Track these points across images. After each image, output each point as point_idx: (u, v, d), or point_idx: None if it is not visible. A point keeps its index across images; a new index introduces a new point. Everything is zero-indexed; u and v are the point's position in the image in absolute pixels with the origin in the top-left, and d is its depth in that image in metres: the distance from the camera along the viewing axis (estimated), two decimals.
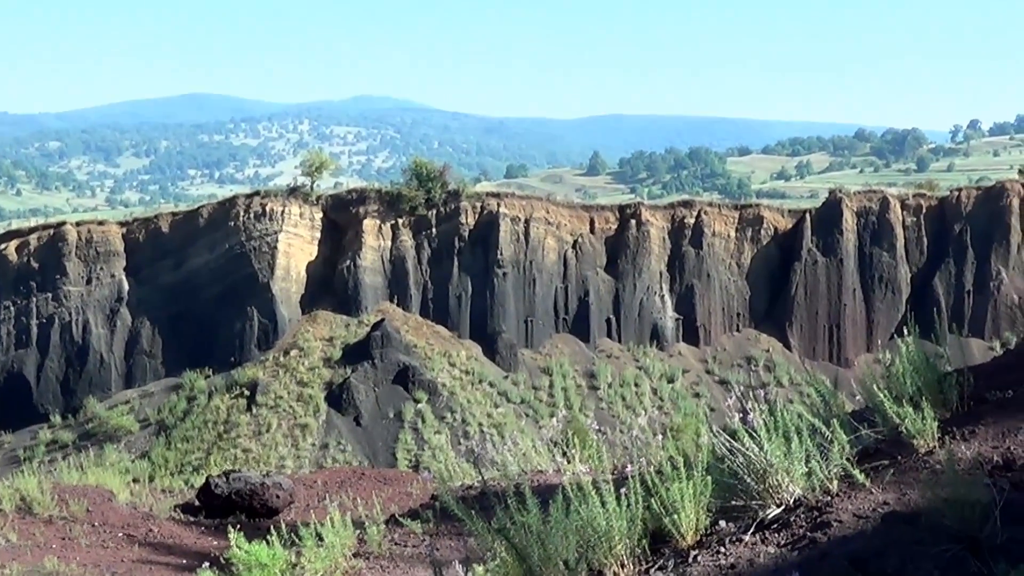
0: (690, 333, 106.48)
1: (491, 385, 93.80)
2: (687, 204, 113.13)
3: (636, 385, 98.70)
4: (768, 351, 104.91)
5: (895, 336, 11.55)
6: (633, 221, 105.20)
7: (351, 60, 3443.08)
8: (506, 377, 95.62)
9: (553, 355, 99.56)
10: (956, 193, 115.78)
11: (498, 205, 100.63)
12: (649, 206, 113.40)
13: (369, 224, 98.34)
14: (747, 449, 8.40)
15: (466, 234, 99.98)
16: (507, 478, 15.15)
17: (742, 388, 10.42)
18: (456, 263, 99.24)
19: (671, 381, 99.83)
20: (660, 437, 15.41)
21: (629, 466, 9.38)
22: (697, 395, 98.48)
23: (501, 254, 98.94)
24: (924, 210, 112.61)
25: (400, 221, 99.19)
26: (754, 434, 8.49)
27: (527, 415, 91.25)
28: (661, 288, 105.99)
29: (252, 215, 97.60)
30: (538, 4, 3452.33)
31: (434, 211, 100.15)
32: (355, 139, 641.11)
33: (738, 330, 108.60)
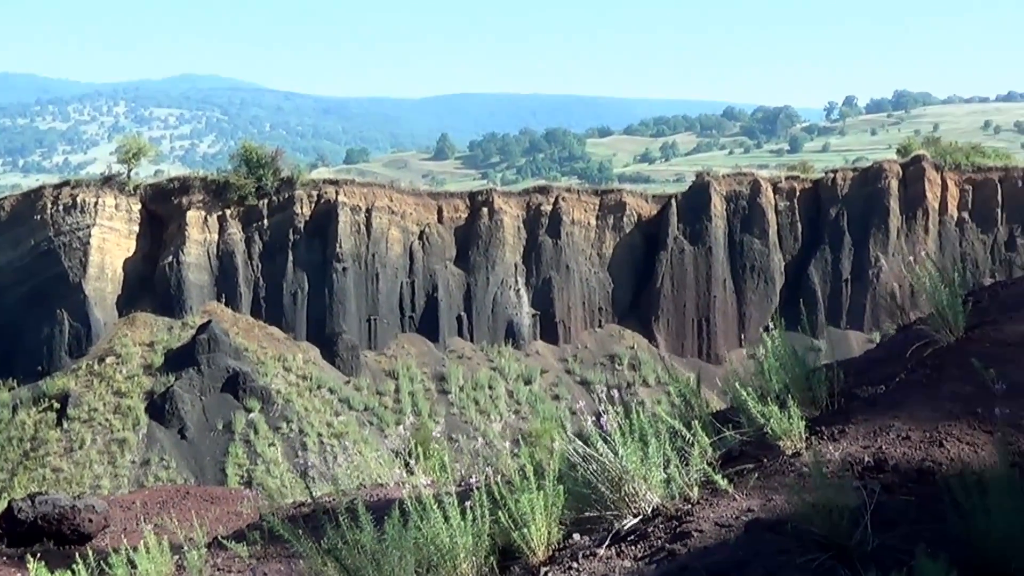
0: (548, 330, 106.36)
1: (331, 391, 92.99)
2: (543, 190, 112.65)
3: (490, 388, 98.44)
4: (633, 348, 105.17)
5: (769, 329, 11.60)
6: (485, 209, 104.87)
7: (172, 35, 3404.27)
8: (347, 382, 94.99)
9: (399, 357, 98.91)
10: (831, 175, 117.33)
11: (336, 193, 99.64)
12: (502, 192, 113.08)
13: (193, 216, 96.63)
14: (601, 455, 8.44)
15: (301, 226, 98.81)
16: (341, 494, 15.09)
17: (604, 389, 10.43)
18: (291, 258, 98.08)
19: (528, 383, 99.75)
20: (513, 444, 15.49)
21: (474, 477, 9.37)
22: (557, 397, 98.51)
23: (340, 247, 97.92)
24: (798, 193, 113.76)
25: (228, 212, 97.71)
26: (608, 439, 8.52)
27: (371, 423, 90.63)
28: (516, 282, 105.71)
29: (61, 207, 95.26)
30: None
31: (266, 201, 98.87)
32: (177, 122, 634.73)
33: (600, 326, 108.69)
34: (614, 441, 8.42)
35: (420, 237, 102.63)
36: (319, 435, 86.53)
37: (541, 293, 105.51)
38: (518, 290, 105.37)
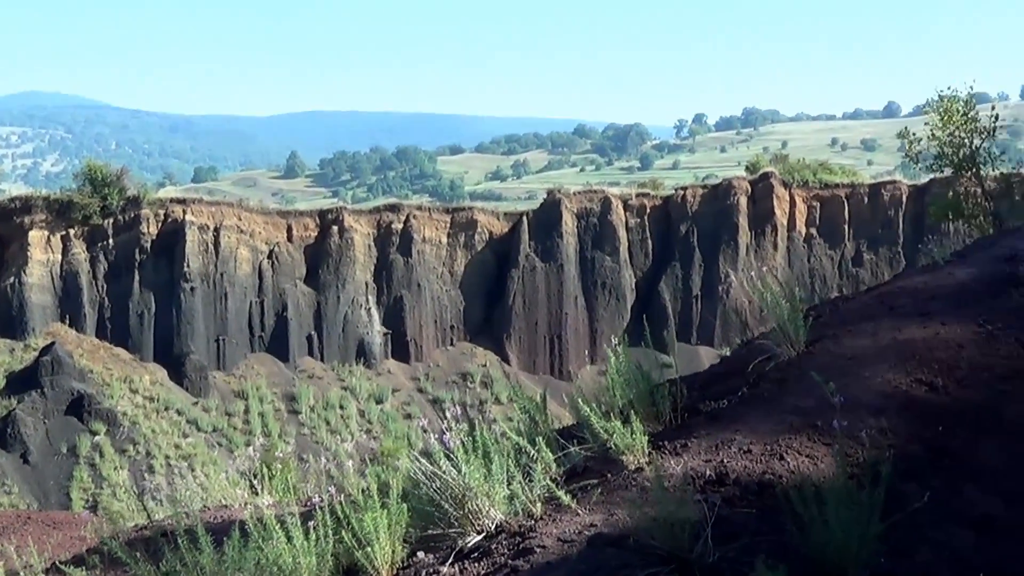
0: (400, 349, 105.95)
1: (179, 412, 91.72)
2: (394, 208, 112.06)
3: (341, 407, 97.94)
4: (485, 366, 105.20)
5: (614, 345, 11.74)
6: (335, 227, 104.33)
7: (14, 52, 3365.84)
8: (196, 403, 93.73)
9: (248, 377, 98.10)
10: (681, 192, 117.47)
11: (184, 212, 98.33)
12: (353, 211, 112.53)
13: (36, 236, 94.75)
14: (444, 473, 8.47)
15: (148, 245, 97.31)
16: (182, 516, 14.98)
17: (452, 407, 10.48)
18: (137, 278, 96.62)
19: (380, 402, 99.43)
20: (354, 463, 15.43)
21: (315, 497, 9.37)
22: (408, 416, 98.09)
23: (188, 266, 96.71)
24: (648, 210, 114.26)
25: (72, 232, 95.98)
26: (452, 456, 8.56)
27: (220, 444, 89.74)
28: (367, 300, 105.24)
29: None
30: None
31: (111, 220, 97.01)
32: (20, 140, 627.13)
33: (452, 344, 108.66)
34: (457, 458, 8.46)
35: (269, 256, 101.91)
36: (167, 457, 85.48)
37: (392, 311, 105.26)
38: (369, 309, 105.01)
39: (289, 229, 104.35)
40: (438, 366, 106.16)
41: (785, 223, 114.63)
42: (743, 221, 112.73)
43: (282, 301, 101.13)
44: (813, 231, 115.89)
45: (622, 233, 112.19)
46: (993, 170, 27.11)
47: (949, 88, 26.46)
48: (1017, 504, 9.31)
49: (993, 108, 27.53)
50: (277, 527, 8.29)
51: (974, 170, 26.36)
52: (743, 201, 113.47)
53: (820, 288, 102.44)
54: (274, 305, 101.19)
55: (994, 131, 26.58)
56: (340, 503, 8.76)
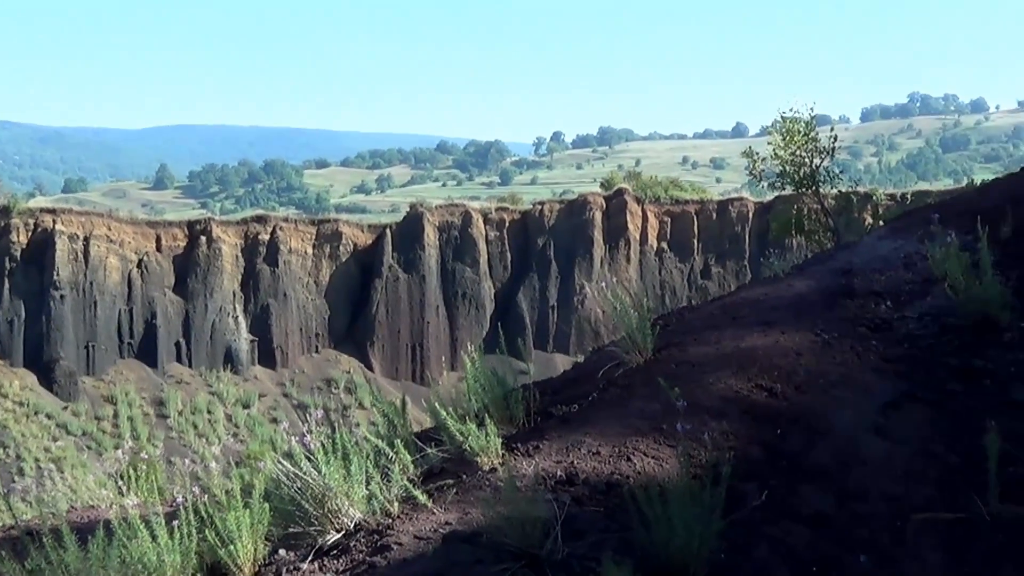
0: (266, 355, 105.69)
1: (49, 417, 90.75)
2: (261, 219, 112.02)
3: (209, 412, 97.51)
4: (349, 372, 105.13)
5: (484, 352, 11.83)
6: (203, 238, 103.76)
7: None
8: (66, 407, 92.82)
9: (118, 382, 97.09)
10: (539, 207, 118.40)
11: (54, 222, 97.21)
12: (221, 222, 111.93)
13: None
14: (305, 474, 8.49)
15: (18, 254, 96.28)
16: (48, 515, 14.84)
17: (314, 411, 10.50)
18: (7, 285, 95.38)
19: (247, 407, 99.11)
20: (220, 466, 15.33)
21: (180, 497, 9.34)
22: (275, 420, 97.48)
23: (58, 275, 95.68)
24: (507, 224, 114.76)
25: None
26: (312, 457, 8.58)
27: (89, 448, 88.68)
28: (235, 309, 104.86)
29: None
30: (93, 2, 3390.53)
31: None
32: None
33: (317, 351, 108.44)
34: (318, 460, 8.48)
35: (139, 265, 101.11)
36: (36, 460, 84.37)
37: (259, 319, 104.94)
38: (236, 317, 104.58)
39: (158, 239, 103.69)
40: (303, 372, 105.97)
41: (638, 237, 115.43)
42: (598, 235, 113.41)
43: (151, 309, 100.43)
44: (664, 245, 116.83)
45: (482, 246, 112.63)
46: (832, 188, 27.48)
47: (792, 110, 26.81)
48: (849, 502, 9.48)
49: (832, 130, 27.91)
50: (142, 526, 8.25)
51: (814, 188, 26.70)
52: (598, 216, 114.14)
53: (670, 299, 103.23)
54: (143, 313, 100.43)
55: (833, 151, 26.94)
56: (204, 503, 8.73)
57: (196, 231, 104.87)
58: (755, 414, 10.13)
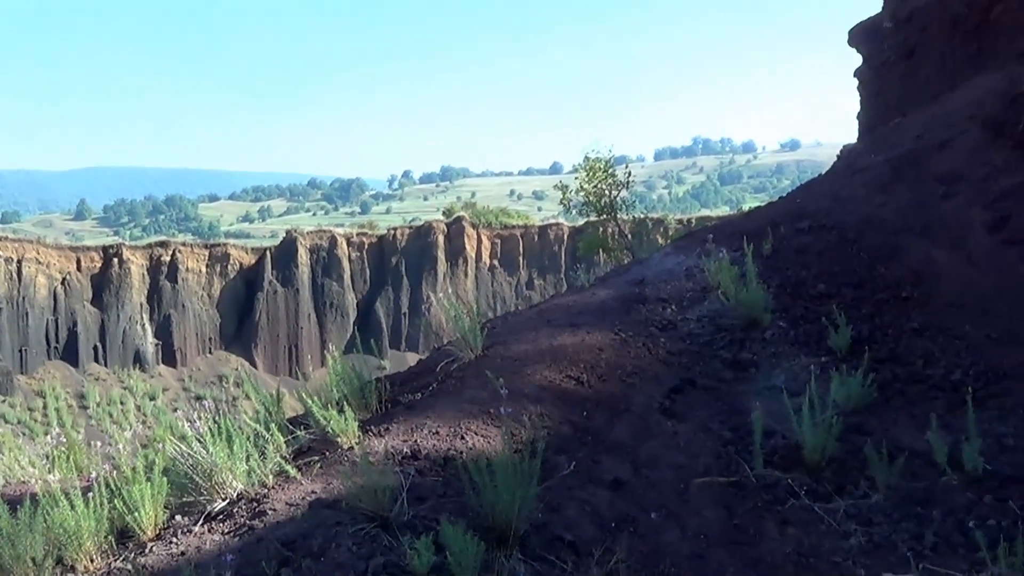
0: (169, 356, 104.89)
1: None
2: (164, 244, 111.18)
3: (122, 404, 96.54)
4: (237, 369, 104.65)
5: (345, 352, 11.80)
6: (116, 260, 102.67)
7: None
8: (3, 400, 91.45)
9: (46, 380, 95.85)
10: (393, 231, 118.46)
11: None
12: (130, 246, 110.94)
13: None
14: (196, 452, 8.40)
15: None
16: None
17: (212, 402, 10.44)
18: None
19: (153, 399, 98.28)
20: (131, 448, 15.17)
21: (94, 473, 9.20)
22: (176, 409, 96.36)
23: None
24: (367, 246, 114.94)
25: None
26: (202, 439, 8.50)
27: (24, 434, 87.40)
28: (142, 318, 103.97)
29: None
30: (26, 53, 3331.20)
31: None
32: None
33: (210, 352, 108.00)
34: (206, 441, 8.39)
35: (63, 283, 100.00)
36: None
37: (162, 327, 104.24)
38: (143, 324, 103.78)
39: (78, 261, 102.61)
40: (199, 370, 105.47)
41: (474, 256, 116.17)
42: (441, 254, 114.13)
43: (73, 319, 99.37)
44: (495, 262, 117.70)
45: (346, 264, 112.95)
46: (629, 214, 27.70)
47: (595, 151, 27.01)
48: (642, 470, 9.51)
49: (627, 167, 28.16)
50: (63, 497, 8.12)
51: (614, 215, 26.93)
52: (441, 239, 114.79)
53: (501, 307, 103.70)
54: (67, 322, 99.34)
55: (628, 185, 27.18)
56: (115, 478, 8.61)
57: (110, 254, 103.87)
58: (566, 399, 10.14)
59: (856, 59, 21.65)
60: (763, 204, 20.33)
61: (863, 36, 21.08)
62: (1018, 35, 16.19)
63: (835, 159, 19.01)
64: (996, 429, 10.77)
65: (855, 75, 21.74)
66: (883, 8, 20.77)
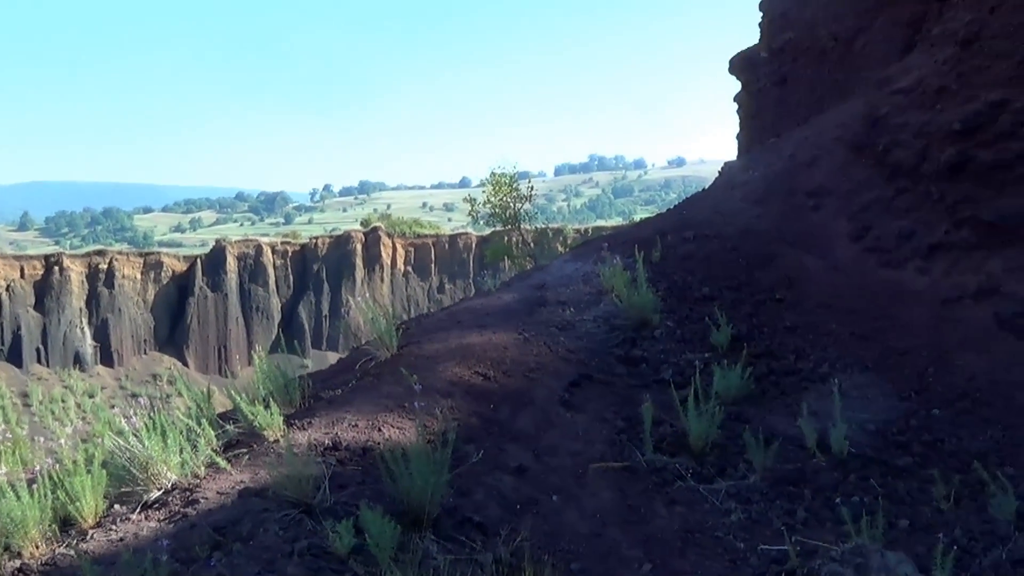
0: (107, 357, 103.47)
1: None
2: (101, 253, 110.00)
3: (63, 401, 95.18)
4: (170, 368, 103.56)
5: (270, 352, 11.75)
6: (57, 268, 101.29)
7: None
8: None
9: None
10: (315, 240, 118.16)
11: None
12: (70, 255, 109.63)
13: None
14: (132, 446, 8.33)
15: None
16: None
17: (147, 399, 10.34)
18: None
19: (92, 396, 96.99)
20: (73, 442, 15.01)
21: (38, 466, 9.08)
22: (113, 407, 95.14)
23: None
24: (290, 254, 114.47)
25: None
26: (138, 434, 8.42)
27: None
28: (82, 321, 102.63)
29: None
30: None
31: None
32: None
33: (145, 353, 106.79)
34: (142, 435, 8.32)
35: (7, 289, 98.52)
36: None
37: (101, 329, 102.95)
38: (83, 328, 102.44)
39: (22, 269, 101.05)
40: (135, 369, 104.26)
41: (389, 263, 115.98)
42: (359, 262, 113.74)
43: (17, 323, 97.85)
44: (409, 268, 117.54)
45: (271, 271, 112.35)
46: (530, 225, 27.79)
47: (500, 167, 27.07)
48: (544, 457, 9.55)
49: (529, 182, 28.25)
50: (9, 489, 8.02)
51: (517, 225, 27.02)
52: (359, 247, 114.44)
53: (414, 310, 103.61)
54: (11, 326, 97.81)
55: (530, 198, 27.26)
56: (57, 471, 8.51)
57: (51, 263, 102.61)
58: (474, 393, 10.15)
59: (736, 85, 21.84)
60: (652, 216, 20.45)
61: (742, 65, 21.29)
62: (878, 65, 16.43)
63: (717, 175, 19.16)
64: (859, 416, 11.03)
65: (735, 100, 21.93)
66: (759, 40, 21.00)
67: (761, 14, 21.15)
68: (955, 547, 8.69)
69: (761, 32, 21.09)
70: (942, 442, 10.94)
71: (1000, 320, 12.74)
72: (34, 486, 8.27)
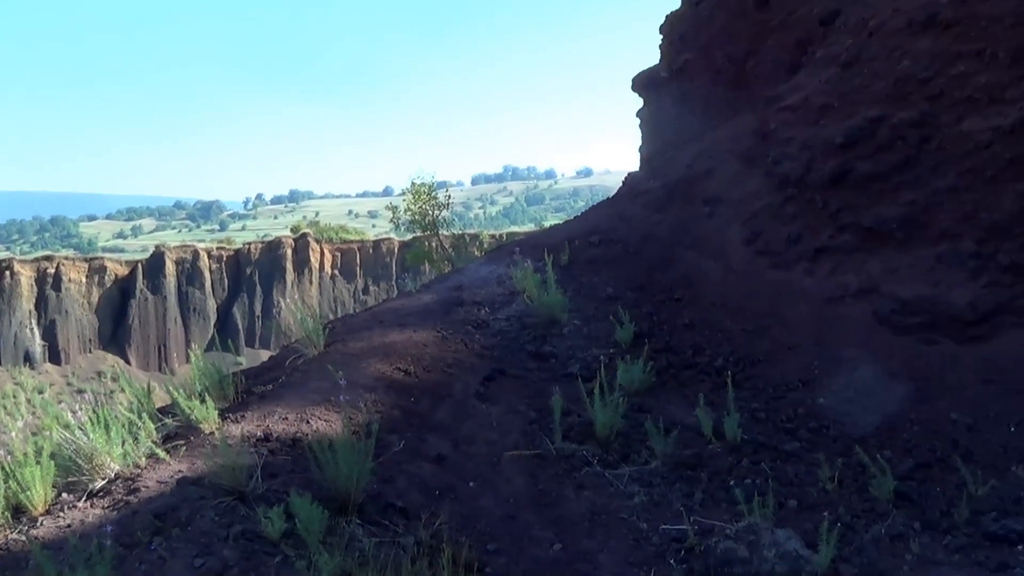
0: (54, 355, 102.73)
1: None
2: (49, 259, 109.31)
3: (14, 397, 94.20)
4: (113, 366, 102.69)
5: (207, 350, 11.63)
6: (8, 272, 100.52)
7: None
8: None
9: None
10: (248, 246, 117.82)
11: None
12: (20, 260, 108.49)
13: None
14: (78, 438, 8.22)
15: None
16: None
17: (92, 395, 10.22)
18: None
19: (41, 392, 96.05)
20: (23, 435, 14.80)
21: None
22: (61, 402, 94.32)
23: None
24: (225, 259, 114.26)
25: None
26: (83, 427, 8.32)
27: None
28: (31, 322, 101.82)
29: None
30: None
31: None
32: None
33: (90, 351, 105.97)
34: (87, 428, 8.22)
35: None
36: None
37: (48, 330, 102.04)
38: (32, 328, 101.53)
39: None
40: (81, 367, 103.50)
41: (317, 266, 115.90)
42: (289, 266, 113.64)
43: None
44: (336, 272, 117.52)
45: (207, 274, 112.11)
46: (448, 231, 27.75)
47: (420, 177, 27.01)
48: (461, 446, 9.53)
49: (447, 191, 28.28)
50: None
51: (436, 231, 26.97)
52: (289, 252, 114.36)
53: (340, 310, 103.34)
54: None
55: (448, 206, 27.22)
56: (8, 462, 8.39)
57: (2, 267, 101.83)
58: (396, 388, 10.11)
59: (639, 102, 21.93)
60: (562, 222, 20.49)
61: (644, 83, 21.38)
62: (768, 85, 16.59)
63: (621, 185, 19.21)
64: (751, 405, 11.16)
65: (637, 115, 22.02)
66: (660, 61, 21.11)
67: (662, 37, 21.29)
68: (839, 524, 8.81)
69: (661, 53, 21.20)
70: (827, 428, 11.10)
71: (878, 316, 12.95)
72: None
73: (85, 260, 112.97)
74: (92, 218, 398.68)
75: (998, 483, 9.87)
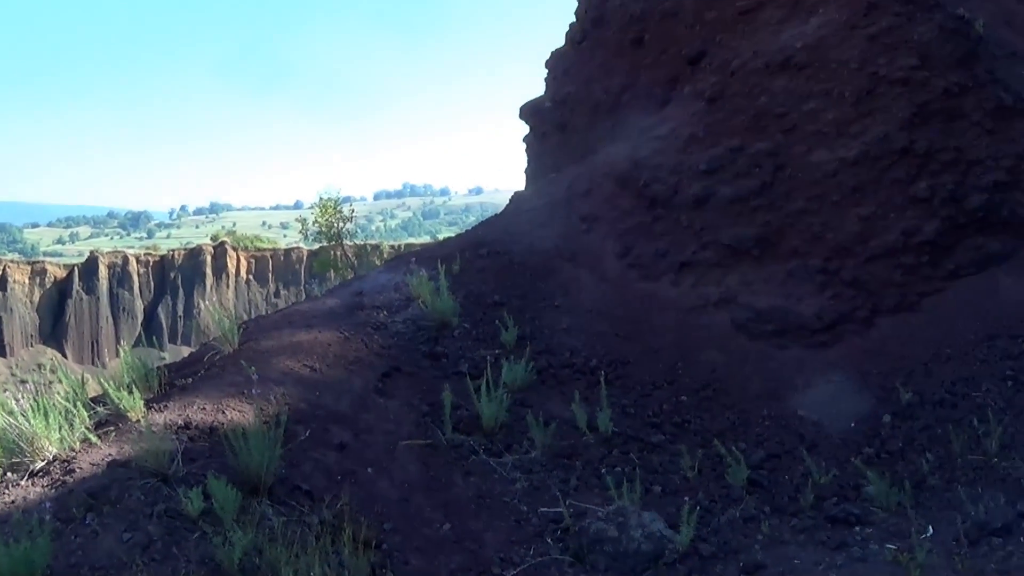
0: (0, 349, 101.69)
1: None
2: None
3: None
4: (52, 359, 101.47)
5: (134, 346, 11.49)
6: None
7: None
8: None
9: None
10: (172, 252, 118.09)
11: None
12: None
13: None
14: (20, 424, 8.04)
15: None
16: None
17: (33, 385, 10.04)
18: None
19: None
20: None
21: None
22: (6, 391, 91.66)
23: None
24: (152, 264, 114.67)
25: None
26: (24, 414, 8.15)
27: None
28: None
29: None
30: None
31: None
32: None
33: (32, 346, 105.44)
34: (28, 415, 8.05)
35: None
36: None
37: None
38: None
39: None
40: (24, 359, 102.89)
41: (234, 272, 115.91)
42: (209, 271, 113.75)
43: None
44: (251, 277, 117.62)
45: (136, 278, 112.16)
46: (352, 242, 27.57)
47: (327, 192, 26.82)
48: (361, 435, 9.42)
49: (351, 205, 28.12)
50: None
51: (341, 241, 26.80)
52: (209, 258, 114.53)
53: (254, 312, 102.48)
54: None
55: (352, 219, 27.03)
56: None
57: None
58: (303, 382, 10.00)
59: (525, 128, 21.96)
60: (454, 235, 20.45)
61: (530, 112, 21.43)
62: (641, 116, 16.72)
63: (508, 202, 19.23)
64: (621, 401, 11.26)
65: (524, 140, 22.05)
66: (545, 91, 21.17)
67: (547, 71, 21.40)
68: (698, 508, 8.89)
69: (547, 85, 21.27)
70: (688, 423, 11.26)
71: (736, 324, 13.16)
72: None
73: (28, 263, 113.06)
74: (35, 225, 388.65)
75: (839, 472, 10.11)
